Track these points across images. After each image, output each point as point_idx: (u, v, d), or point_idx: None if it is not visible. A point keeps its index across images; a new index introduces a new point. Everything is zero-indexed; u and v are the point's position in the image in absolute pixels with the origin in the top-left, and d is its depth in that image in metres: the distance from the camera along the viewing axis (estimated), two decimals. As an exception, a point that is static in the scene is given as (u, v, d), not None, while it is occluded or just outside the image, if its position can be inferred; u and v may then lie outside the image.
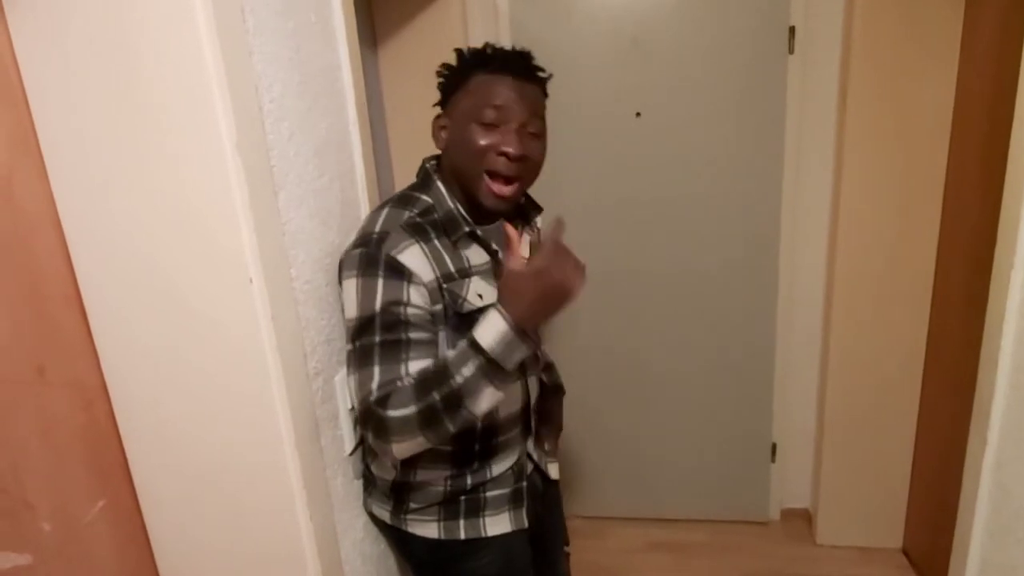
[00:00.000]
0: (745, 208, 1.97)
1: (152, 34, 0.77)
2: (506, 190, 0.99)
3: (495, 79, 0.98)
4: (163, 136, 0.80)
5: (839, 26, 1.81)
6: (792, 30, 1.81)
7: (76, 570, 0.90)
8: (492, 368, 0.88)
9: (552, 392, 1.28)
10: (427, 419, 0.89)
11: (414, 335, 0.94)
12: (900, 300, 1.88)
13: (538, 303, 0.88)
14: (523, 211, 1.16)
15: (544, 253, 0.88)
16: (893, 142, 1.77)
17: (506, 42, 1.90)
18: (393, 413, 0.89)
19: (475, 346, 0.88)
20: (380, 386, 0.91)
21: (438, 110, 1.07)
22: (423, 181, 1.06)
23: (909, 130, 1.75)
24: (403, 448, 0.93)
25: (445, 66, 1.05)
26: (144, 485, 0.98)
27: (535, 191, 1.29)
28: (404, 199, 1.04)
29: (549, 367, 1.34)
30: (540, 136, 1.02)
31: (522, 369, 1.10)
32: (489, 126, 0.98)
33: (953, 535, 1.33)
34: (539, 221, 1.19)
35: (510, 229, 1.01)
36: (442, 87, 1.06)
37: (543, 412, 1.25)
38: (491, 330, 0.88)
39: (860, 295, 1.90)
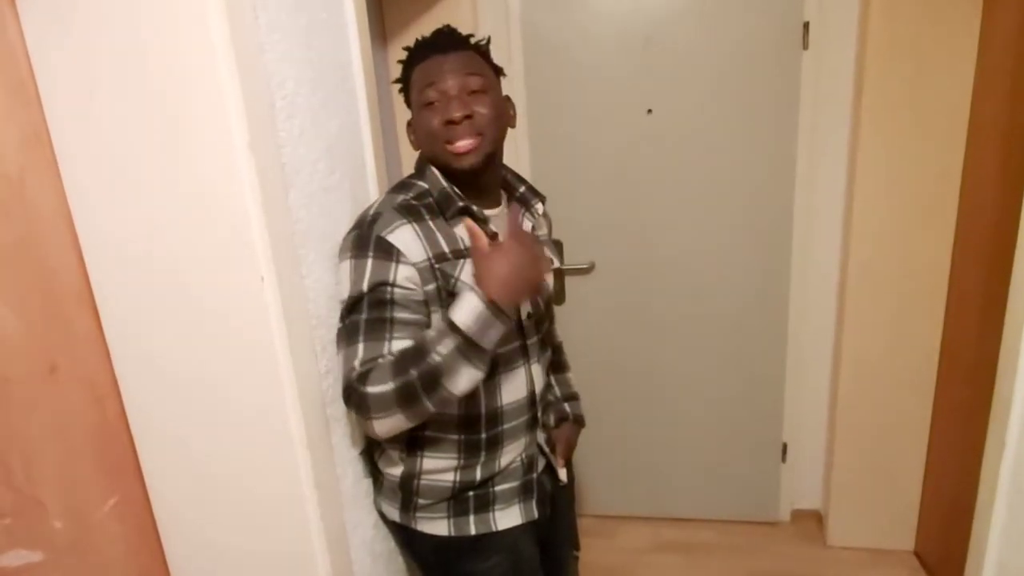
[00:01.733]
0: (757, 206, 1.95)
1: (164, 32, 0.76)
2: (462, 145, 1.02)
3: (424, 64, 1.03)
4: (174, 135, 0.80)
5: (854, 22, 1.79)
6: (806, 26, 1.79)
7: (87, 567, 0.90)
8: (468, 346, 0.90)
9: (573, 421, 1.31)
10: (404, 396, 0.91)
11: (399, 315, 0.96)
12: (915, 299, 1.86)
13: (509, 279, 0.92)
14: (524, 199, 1.16)
15: (510, 235, 0.95)
16: (909, 140, 1.75)
17: (517, 40, 1.91)
18: (372, 389, 0.91)
19: (451, 325, 0.90)
20: (363, 363, 0.93)
21: None
22: (419, 169, 1.10)
23: (926, 127, 1.73)
24: (383, 425, 0.94)
25: (397, 80, 1.10)
26: (155, 483, 0.99)
27: (544, 186, 1.28)
28: (400, 185, 1.08)
29: (574, 397, 1.34)
30: (485, 90, 1.03)
31: (525, 356, 1.11)
32: (432, 105, 1.02)
33: (967, 537, 1.31)
34: (541, 208, 1.18)
35: (473, 226, 1.02)
36: (404, 99, 1.10)
37: (558, 436, 1.27)
38: (466, 308, 0.91)
39: (873, 293, 1.88)
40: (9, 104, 0.80)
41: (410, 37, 1.94)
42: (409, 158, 1.95)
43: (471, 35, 1.07)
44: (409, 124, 1.10)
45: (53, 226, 0.85)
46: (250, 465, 0.95)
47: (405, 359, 0.92)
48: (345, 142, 1.12)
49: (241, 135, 0.79)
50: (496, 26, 1.89)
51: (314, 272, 0.99)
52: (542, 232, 1.20)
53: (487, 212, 1.08)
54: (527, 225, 1.15)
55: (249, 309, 0.86)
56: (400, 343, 0.95)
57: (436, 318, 1.00)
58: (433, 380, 0.90)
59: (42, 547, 0.83)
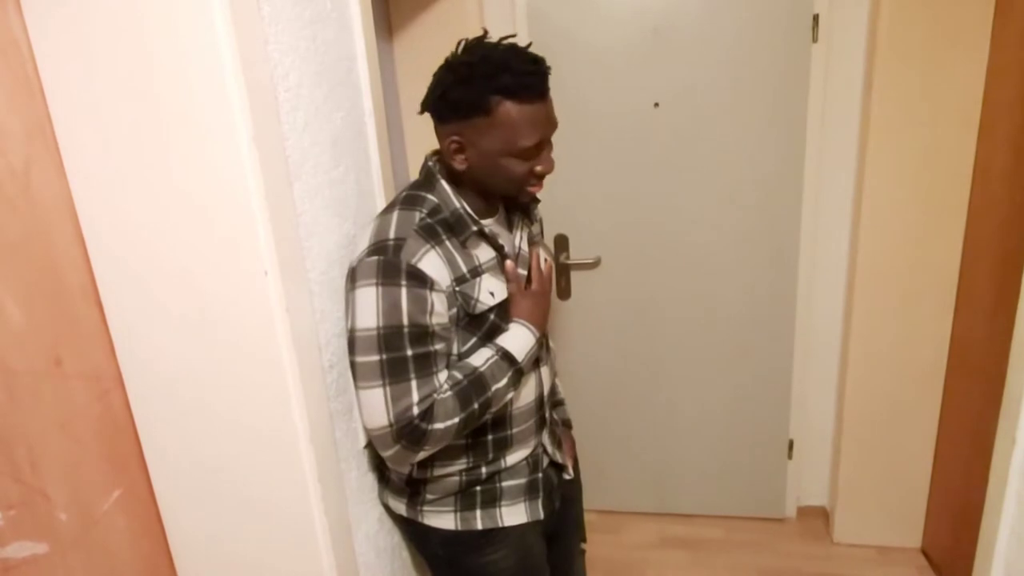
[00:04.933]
0: (765, 201, 1.93)
1: (168, 24, 0.76)
2: (538, 189, 1.04)
3: (525, 110, 0.92)
4: (178, 128, 0.80)
5: (864, 14, 1.76)
6: (816, 18, 1.77)
7: (92, 559, 0.90)
8: (518, 374, 1.03)
9: (562, 424, 1.31)
10: (464, 426, 0.99)
11: (439, 346, 0.98)
12: (924, 295, 1.84)
13: (539, 311, 1.08)
14: (523, 203, 1.15)
15: (542, 278, 1.10)
16: (919, 133, 1.72)
17: (523, 32, 1.89)
18: (439, 425, 0.96)
19: (509, 358, 1.01)
20: (420, 400, 0.95)
21: None
22: (427, 179, 1.04)
23: (936, 121, 1.71)
24: (428, 453, 1.00)
25: (444, 77, 0.95)
26: (159, 476, 0.99)
27: (549, 180, 1.27)
28: (411, 199, 1.02)
29: (560, 404, 1.34)
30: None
31: (535, 361, 1.12)
32: (530, 158, 0.98)
33: (975, 535, 1.30)
34: (538, 212, 1.18)
35: (512, 269, 1.06)
36: (444, 98, 0.95)
37: (563, 435, 1.28)
38: (522, 343, 1.03)
39: (882, 290, 1.87)
40: (13, 97, 0.79)
41: (416, 29, 1.94)
42: (414, 152, 1.95)
43: (546, 67, 0.95)
44: (450, 138, 0.97)
45: (58, 219, 0.85)
46: (254, 459, 0.95)
47: (466, 392, 0.97)
48: (350, 135, 1.11)
49: (245, 128, 0.79)
50: (502, 17, 1.87)
51: (318, 265, 0.99)
52: (534, 229, 1.19)
53: (487, 221, 1.06)
54: (525, 235, 1.15)
55: (253, 303, 0.86)
56: (443, 374, 1.00)
57: (477, 344, 1.03)
58: (489, 406, 1.01)
59: (47, 539, 0.84)
